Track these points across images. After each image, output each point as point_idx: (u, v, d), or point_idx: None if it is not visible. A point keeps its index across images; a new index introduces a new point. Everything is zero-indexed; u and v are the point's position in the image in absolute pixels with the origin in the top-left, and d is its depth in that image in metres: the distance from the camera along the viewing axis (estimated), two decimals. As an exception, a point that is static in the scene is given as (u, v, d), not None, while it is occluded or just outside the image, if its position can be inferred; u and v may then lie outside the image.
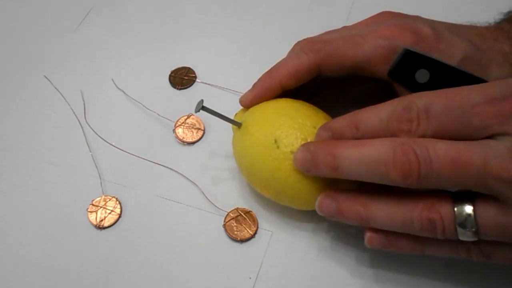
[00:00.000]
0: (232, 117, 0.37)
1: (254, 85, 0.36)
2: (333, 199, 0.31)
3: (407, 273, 0.34)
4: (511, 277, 0.33)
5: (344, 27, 0.38)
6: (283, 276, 0.34)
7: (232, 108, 0.37)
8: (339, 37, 0.35)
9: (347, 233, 0.35)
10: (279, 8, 0.50)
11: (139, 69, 0.46)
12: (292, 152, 0.32)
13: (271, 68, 0.36)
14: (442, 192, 0.28)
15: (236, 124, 0.35)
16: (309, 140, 0.32)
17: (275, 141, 0.32)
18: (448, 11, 0.47)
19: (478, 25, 0.37)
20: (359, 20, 0.38)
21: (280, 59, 0.39)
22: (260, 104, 0.35)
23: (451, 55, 0.33)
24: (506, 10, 0.38)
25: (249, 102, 0.36)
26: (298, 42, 0.38)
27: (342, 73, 0.35)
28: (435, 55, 0.33)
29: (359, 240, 0.35)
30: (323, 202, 0.31)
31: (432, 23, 0.35)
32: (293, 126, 0.32)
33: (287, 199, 0.34)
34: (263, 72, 0.38)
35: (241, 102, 0.36)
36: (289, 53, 0.38)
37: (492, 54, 0.34)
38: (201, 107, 0.33)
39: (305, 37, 0.40)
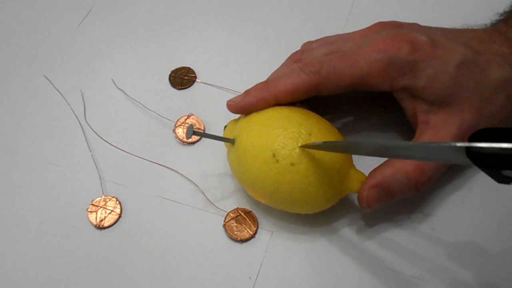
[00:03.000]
0: (222, 128, 0.37)
1: (247, 93, 0.35)
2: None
3: (406, 273, 0.34)
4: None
5: (341, 37, 0.38)
6: (283, 276, 0.34)
7: (232, 108, 0.37)
8: (335, 57, 0.35)
9: (347, 233, 0.35)
10: (279, 8, 0.50)
11: (139, 69, 0.46)
12: (292, 164, 0.31)
13: (268, 81, 0.36)
14: None
15: (230, 141, 0.35)
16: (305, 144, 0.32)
17: (274, 156, 0.32)
18: (445, 13, 0.47)
19: (475, 27, 0.37)
20: (358, 21, 0.38)
21: (280, 58, 0.39)
22: (250, 116, 0.35)
23: (449, 60, 0.33)
24: (501, 11, 0.38)
25: (240, 109, 0.35)
26: (296, 52, 0.39)
27: (339, 91, 0.35)
28: (432, 63, 0.33)
29: (359, 240, 0.35)
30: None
31: (427, 31, 0.35)
32: (288, 136, 0.32)
33: (293, 208, 0.34)
34: (262, 72, 0.38)
35: (230, 106, 0.35)
36: (286, 67, 0.38)
37: (491, 56, 0.34)
38: (192, 132, 0.33)
39: (304, 37, 0.40)
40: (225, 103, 0.36)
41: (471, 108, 0.34)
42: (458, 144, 0.22)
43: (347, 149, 0.32)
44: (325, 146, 0.31)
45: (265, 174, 0.32)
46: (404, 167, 0.33)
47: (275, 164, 0.32)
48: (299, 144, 0.32)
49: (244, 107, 0.35)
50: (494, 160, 0.21)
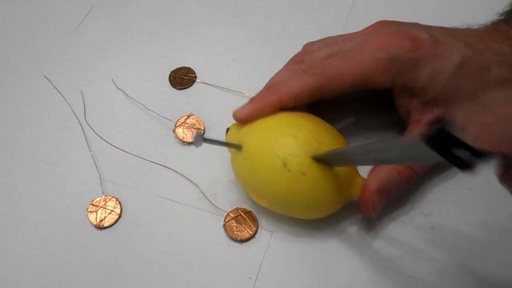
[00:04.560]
0: (222, 128, 0.37)
1: (252, 100, 0.35)
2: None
3: (406, 273, 0.34)
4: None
5: (342, 37, 0.38)
6: (283, 276, 0.34)
7: (231, 108, 0.37)
8: (338, 58, 0.35)
9: (347, 233, 0.35)
10: (279, 8, 0.50)
11: (139, 69, 0.46)
12: (303, 173, 0.31)
13: (271, 85, 0.36)
14: None
15: (236, 147, 0.34)
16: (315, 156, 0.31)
17: (285, 165, 0.31)
18: (445, 13, 0.47)
19: (476, 27, 0.37)
20: (358, 21, 0.38)
21: (281, 58, 0.39)
22: (256, 122, 0.34)
23: (449, 58, 0.33)
24: (502, 10, 0.38)
25: (246, 117, 0.35)
26: (298, 54, 0.38)
27: (343, 92, 0.35)
28: (432, 61, 0.33)
29: (359, 240, 0.35)
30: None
31: (428, 29, 0.35)
32: (298, 144, 0.32)
33: (301, 215, 0.34)
34: (263, 72, 0.38)
35: (236, 117, 0.35)
36: (288, 69, 0.37)
37: (491, 55, 0.34)
38: (203, 139, 0.31)
39: (304, 37, 0.40)
40: (225, 103, 0.36)
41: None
42: (419, 134, 0.22)
43: (347, 161, 0.32)
44: (333, 159, 0.31)
45: (274, 182, 0.32)
46: (394, 167, 0.34)
47: (287, 173, 0.31)
48: (310, 154, 0.31)
49: (251, 114, 0.35)
50: (447, 142, 0.21)
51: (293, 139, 0.32)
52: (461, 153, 0.21)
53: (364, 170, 0.34)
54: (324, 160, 0.31)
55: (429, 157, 0.23)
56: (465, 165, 0.21)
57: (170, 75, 0.45)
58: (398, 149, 0.25)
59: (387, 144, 0.26)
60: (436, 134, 0.21)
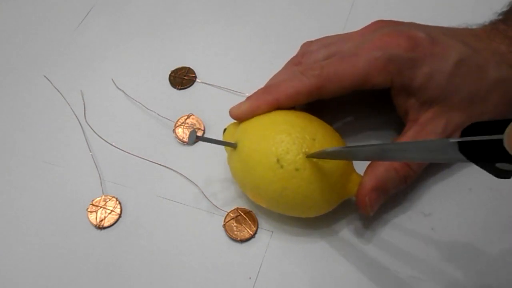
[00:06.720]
0: (222, 129, 0.37)
1: (249, 98, 0.35)
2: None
3: (406, 273, 0.34)
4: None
5: (340, 38, 0.38)
6: (283, 276, 0.34)
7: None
8: (336, 60, 0.35)
9: (346, 233, 0.35)
10: (279, 8, 0.50)
11: (139, 69, 0.46)
12: (297, 169, 0.31)
13: (269, 85, 0.36)
14: None
15: (232, 145, 0.34)
16: (311, 152, 0.31)
17: (278, 161, 0.31)
18: (444, 13, 0.47)
19: (474, 27, 0.37)
20: (358, 21, 0.38)
21: (281, 58, 0.39)
22: (251, 120, 0.34)
23: (447, 57, 0.33)
24: (500, 10, 0.38)
25: (243, 115, 0.35)
26: (296, 56, 0.39)
27: (342, 93, 0.34)
28: (429, 60, 0.33)
29: (359, 240, 0.35)
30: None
31: (426, 28, 0.35)
32: (292, 141, 0.32)
33: (296, 213, 0.34)
34: (263, 72, 0.38)
35: (233, 114, 0.35)
36: (286, 70, 0.37)
37: (489, 55, 0.34)
38: (195, 137, 0.32)
39: (304, 37, 0.40)
40: (225, 103, 0.36)
41: (460, 108, 0.34)
42: (451, 140, 0.22)
43: (347, 156, 0.32)
44: (327, 155, 0.31)
45: (269, 180, 0.32)
46: (392, 165, 0.33)
47: (280, 169, 0.31)
48: (303, 150, 0.31)
49: (247, 112, 0.35)
50: (488, 153, 0.21)
51: (287, 136, 0.32)
52: (502, 166, 0.21)
53: (361, 168, 0.34)
54: (321, 156, 0.31)
55: (452, 160, 0.23)
56: (507, 175, 0.21)
57: (170, 75, 0.45)
58: (421, 150, 0.25)
59: (408, 145, 0.26)
60: (477, 146, 0.21)
